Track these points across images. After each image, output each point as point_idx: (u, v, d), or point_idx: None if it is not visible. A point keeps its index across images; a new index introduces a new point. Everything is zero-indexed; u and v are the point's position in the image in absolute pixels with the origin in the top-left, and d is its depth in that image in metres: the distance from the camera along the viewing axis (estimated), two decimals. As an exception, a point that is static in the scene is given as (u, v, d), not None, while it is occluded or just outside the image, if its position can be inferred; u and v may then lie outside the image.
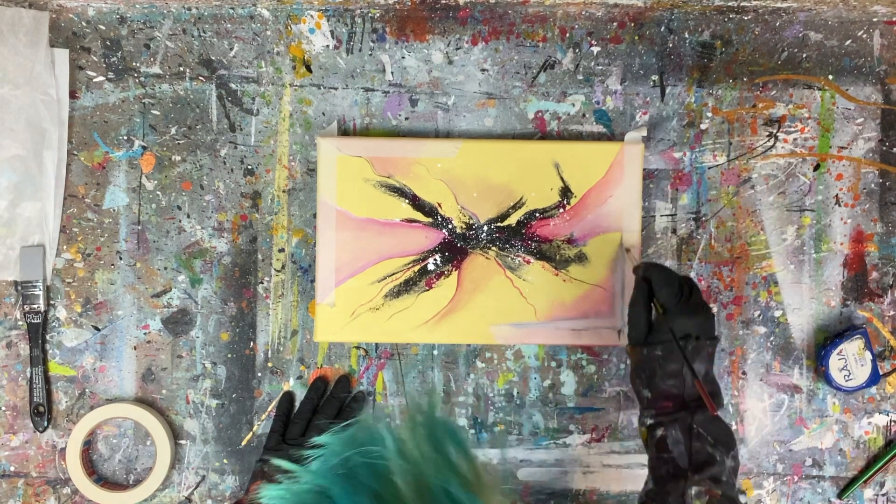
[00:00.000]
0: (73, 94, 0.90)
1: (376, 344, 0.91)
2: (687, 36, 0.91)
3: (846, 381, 0.89)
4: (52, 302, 0.90)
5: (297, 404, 0.90)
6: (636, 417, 0.91)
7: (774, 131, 0.91)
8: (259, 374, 0.91)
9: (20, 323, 0.90)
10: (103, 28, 0.90)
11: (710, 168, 0.91)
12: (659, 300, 0.76)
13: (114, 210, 0.91)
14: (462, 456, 0.52)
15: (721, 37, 0.91)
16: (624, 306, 0.89)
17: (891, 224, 0.92)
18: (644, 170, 0.90)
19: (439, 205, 0.89)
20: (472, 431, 0.92)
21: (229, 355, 0.91)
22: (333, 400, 0.89)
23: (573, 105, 0.91)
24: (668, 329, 0.74)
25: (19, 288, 0.89)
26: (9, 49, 0.87)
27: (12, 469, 0.91)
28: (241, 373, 0.91)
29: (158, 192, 0.91)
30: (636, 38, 0.91)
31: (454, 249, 0.89)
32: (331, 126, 0.90)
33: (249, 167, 0.91)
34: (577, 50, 0.91)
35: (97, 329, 0.91)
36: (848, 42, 0.91)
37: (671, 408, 0.74)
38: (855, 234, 0.92)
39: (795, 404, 0.92)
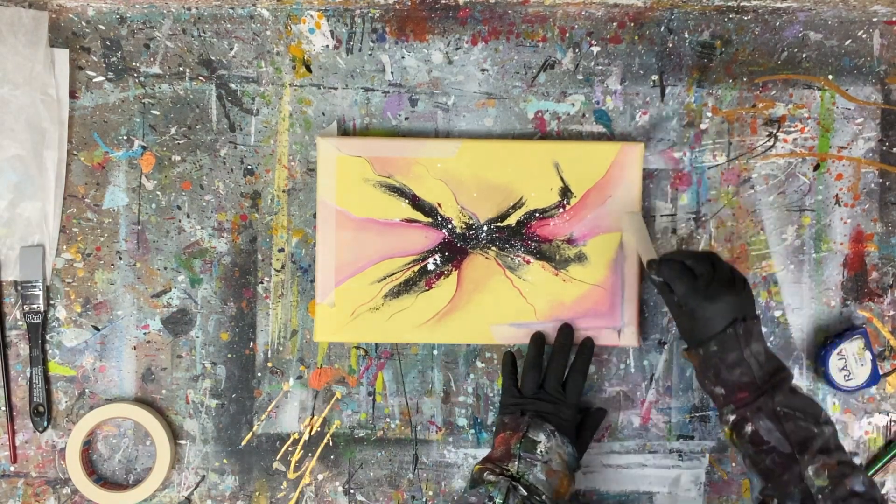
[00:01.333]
0: (73, 94, 0.90)
1: (376, 344, 0.91)
2: (687, 36, 0.91)
3: (846, 381, 0.89)
4: (51, 302, 0.90)
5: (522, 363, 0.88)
6: (636, 417, 0.91)
7: (774, 131, 0.91)
8: (259, 374, 0.91)
9: (20, 323, 0.90)
10: (103, 28, 0.90)
11: (709, 168, 0.91)
12: (681, 296, 0.75)
13: (114, 210, 0.91)
14: None
15: (721, 37, 0.91)
16: (624, 306, 0.89)
17: (891, 224, 0.92)
18: (644, 170, 0.90)
19: (439, 205, 0.89)
20: (472, 431, 0.92)
21: (229, 355, 0.91)
22: (561, 349, 0.86)
23: (573, 105, 0.91)
24: (716, 320, 0.73)
25: (19, 288, 0.89)
26: (8, 49, 0.87)
27: (12, 469, 0.91)
28: (240, 373, 0.91)
29: (158, 192, 0.91)
30: (636, 38, 0.91)
31: (454, 249, 0.89)
32: (330, 126, 0.90)
33: (249, 167, 0.91)
34: (576, 50, 0.91)
35: (97, 329, 0.91)
36: (848, 42, 0.91)
37: (749, 397, 0.73)
38: (855, 234, 0.92)
39: (795, 404, 0.92)
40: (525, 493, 0.77)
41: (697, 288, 0.74)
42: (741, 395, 0.73)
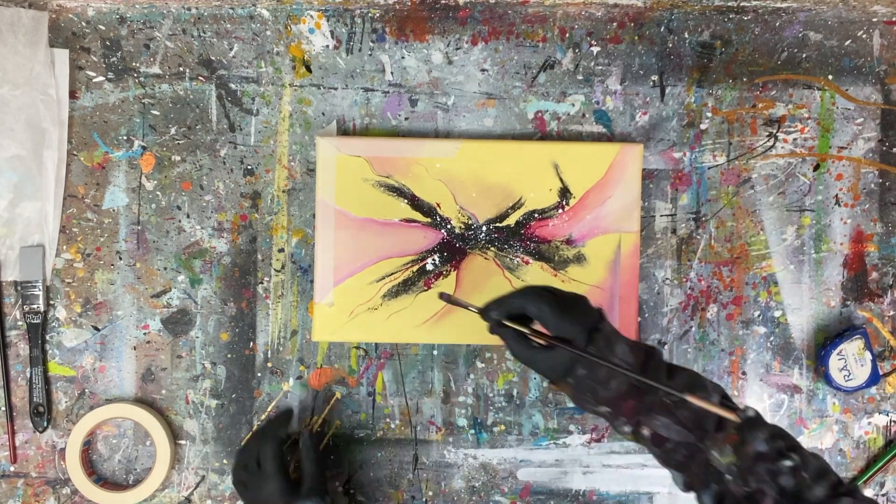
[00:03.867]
0: (72, 94, 0.90)
1: (376, 344, 0.91)
2: (687, 36, 0.91)
3: (846, 381, 0.89)
4: (51, 302, 0.90)
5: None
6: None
7: (774, 131, 0.91)
8: (259, 374, 0.91)
9: (20, 323, 0.90)
10: (103, 28, 0.90)
11: (709, 168, 0.91)
12: (546, 325, 0.70)
13: (113, 210, 0.91)
14: None
15: (721, 37, 0.91)
16: (623, 306, 0.89)
17: (891, 224, 0.92)
18: (644, 170, 0.90)
19: (438, 205, 0.89)
20: (472, 432, 0.92)
21: (229, 355, 0.91)
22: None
23: (573, 105, 0.91)
24: (575, 345, 0.69)
25: (19, 288, 0.89)
26: (8, 49, 0.87)
27: (12, 469, 0.91)
28: (240, 373, 0.91)
29: (158, 193, 0.91)
30: (636, 38, 0.91)
31: (453, 249, 0.89)
32: (330, 126, 0.90)
33: (249, 167, 0.91)
34: (576, 50, 0.91)
35: (97, 329, 0.91)
36: (848, 42, 0.91)
37: (635, 403, 0.69)
38: (855, 234, 0.92)
39: (795, 404, 0.92)
40: None
41: (555, 312, 0.70)
42: (628, 405, 0.69)
